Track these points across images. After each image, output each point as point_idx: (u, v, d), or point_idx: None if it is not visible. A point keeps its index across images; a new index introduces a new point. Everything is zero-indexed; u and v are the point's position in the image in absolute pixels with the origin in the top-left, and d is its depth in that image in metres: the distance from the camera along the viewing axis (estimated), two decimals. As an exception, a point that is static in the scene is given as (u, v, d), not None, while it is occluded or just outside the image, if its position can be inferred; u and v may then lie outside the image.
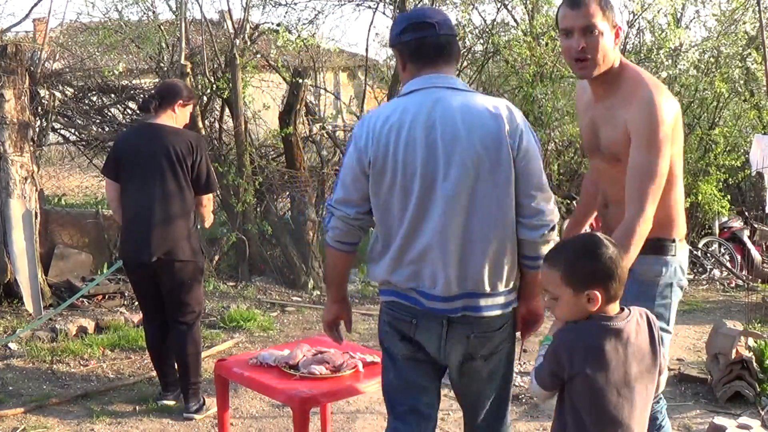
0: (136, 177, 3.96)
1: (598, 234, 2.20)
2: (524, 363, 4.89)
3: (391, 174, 2.34)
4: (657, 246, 2.58)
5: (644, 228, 2.44)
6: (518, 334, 2.58)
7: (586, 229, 3.14)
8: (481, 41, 8.78)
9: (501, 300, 2.40)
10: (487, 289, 2.35)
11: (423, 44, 2.38)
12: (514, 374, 4.54)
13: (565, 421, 2.15)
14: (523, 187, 2.34)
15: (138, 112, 4.17)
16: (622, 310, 2.14)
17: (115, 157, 4.07)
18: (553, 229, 2.38)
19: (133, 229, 3.99)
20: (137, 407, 4.09)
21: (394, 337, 2.47)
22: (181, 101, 4.09)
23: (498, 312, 2.40)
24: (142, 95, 7.13)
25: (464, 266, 2.33)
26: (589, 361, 2.07)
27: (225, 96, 7.32)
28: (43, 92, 7.04)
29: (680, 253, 2.65)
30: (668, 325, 2.65)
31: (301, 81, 7.20)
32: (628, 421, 2.10)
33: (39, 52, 7.17)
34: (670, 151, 2.49)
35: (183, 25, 7.22)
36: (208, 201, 4.20)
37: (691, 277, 7.77)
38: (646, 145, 2.45)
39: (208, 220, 4.25)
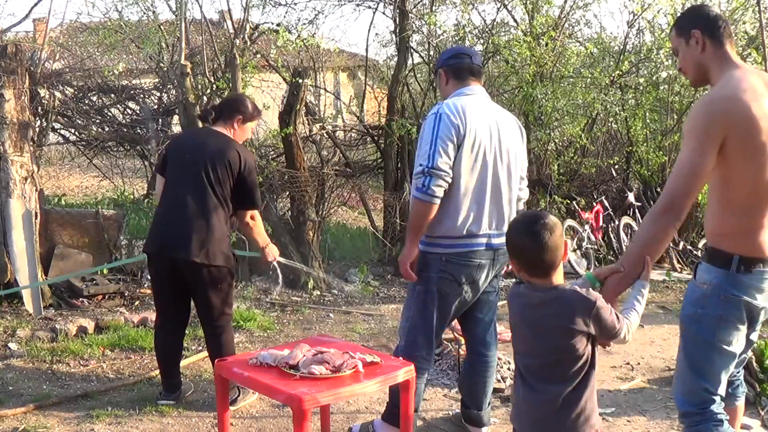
0: (178, 173, 3.93)
1: (541, 214, 2.41)
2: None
3: (477, 147, 3.30)
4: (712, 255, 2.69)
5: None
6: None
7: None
8: (481, 41, 8.78)
9: None
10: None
11: (462, 66, 3.50)
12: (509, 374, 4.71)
13: None
14: (522, 165, 3.61)
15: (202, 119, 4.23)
16: (555, 287, 2.36)
17: (165, 152, 4.09)
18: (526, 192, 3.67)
19: (169, 225, 3.91)
20: (137, 407, 4.09)
21: (454, 282, 3.37)
22: (240, 117, 4.03)
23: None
24: (141, 95, 7.17)
25: (509, 214, 3.45)
26: (509, 310, 2.53)
27: (225, 96, 7.32)
28: (43, 92, 7.06)
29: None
30: (704, 336, 2.67)
31: (301, 81, 7.20)
32: (531, 377, 2.41)
33: (39, 52, 7.19)
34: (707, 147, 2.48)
35: (183, 25, 7.23)
36: (253, 219, 4.04)
37: (691, 276, 7.74)
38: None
39: (262, 239, 4.13)
